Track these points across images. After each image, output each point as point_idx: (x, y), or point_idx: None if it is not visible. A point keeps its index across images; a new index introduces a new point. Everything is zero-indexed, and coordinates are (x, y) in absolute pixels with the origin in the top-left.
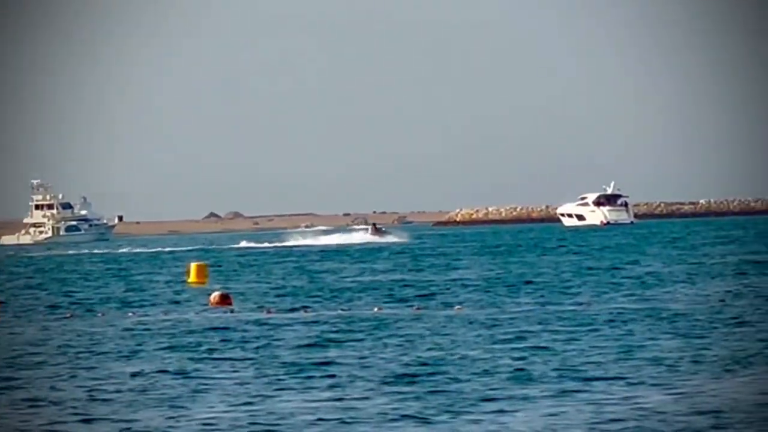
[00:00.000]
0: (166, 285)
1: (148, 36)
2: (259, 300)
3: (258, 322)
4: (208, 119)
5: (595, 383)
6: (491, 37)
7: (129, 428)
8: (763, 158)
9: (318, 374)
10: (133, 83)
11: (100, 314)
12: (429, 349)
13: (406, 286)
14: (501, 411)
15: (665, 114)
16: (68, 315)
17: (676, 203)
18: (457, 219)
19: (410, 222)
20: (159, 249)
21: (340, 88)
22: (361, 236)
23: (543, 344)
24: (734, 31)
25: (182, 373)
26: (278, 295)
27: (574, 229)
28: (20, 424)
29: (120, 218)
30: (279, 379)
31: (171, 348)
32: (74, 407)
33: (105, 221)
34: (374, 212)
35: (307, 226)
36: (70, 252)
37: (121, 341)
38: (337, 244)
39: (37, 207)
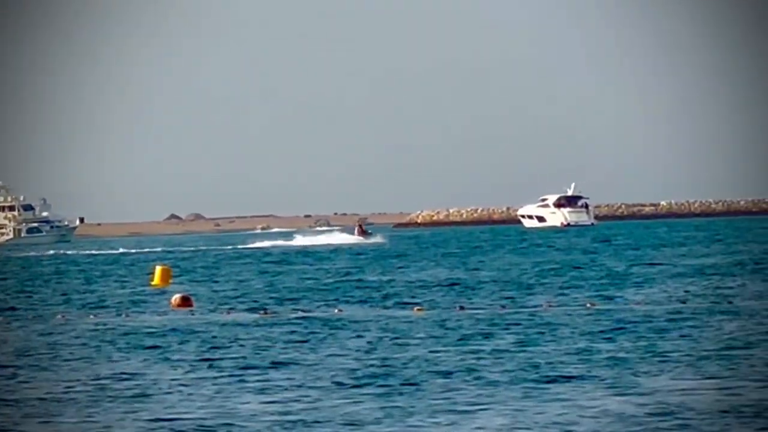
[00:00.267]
0: (129, 287)
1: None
2: (221, 301)
3: (218, 324)
4: (168, 121)
5: (555, 384)
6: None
7: (89, 429)
8: (724, 160)
9: (277, 375)
10: (93, 85)
11: (60, 316)
12: (389, 350)
13: (367, 287)
14: (462, 412)
15: (626, 116)
16: (29, 317)
17: (637, 205)
18: (418, 221)
19: (371, 223)
20: (148, 249)
21: (300, 90)
22: (347, 237)
23: (504, 345)
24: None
25: (141, 375)
26: (240, 298)
27: (535, 231)
28: None
29: (81, 220)
30: (238, 380)
31: (130, 349)
32: (33, 407)
33: (66, 223)
34: (335, 214)
35: (263, 228)
36: (32, 254)
37: (81, 343)
38: (323, 245)
39: None
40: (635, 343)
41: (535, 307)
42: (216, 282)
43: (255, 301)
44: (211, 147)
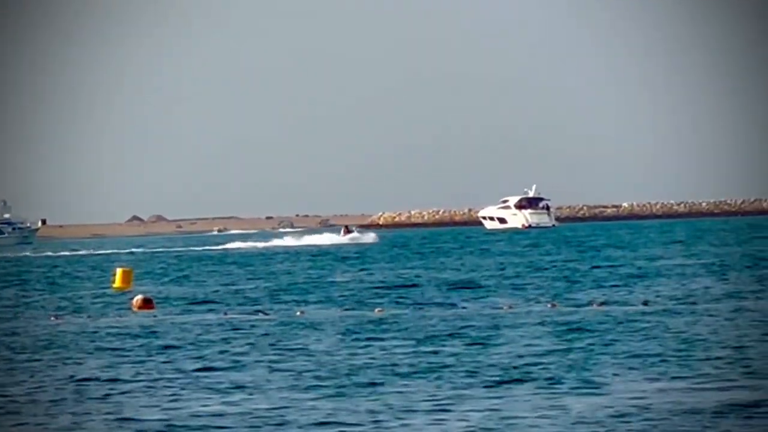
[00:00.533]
0: (91, 289)
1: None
2: (182, 303)
3: (178, 325)
4: (130, 122)
5: (517, 385)
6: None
7: (45, 429)
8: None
9: (237, 377)
10: (54, 85)
11: (21, 318)
12: (350, 350)
13: (332, 287)
14: (426, 411)
15: (587, 117)
16: None
17: (599, 206)
18: (380, 222)
19: (333, 225)
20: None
21: (263, 93)
22: (333, 238)
23: (465, 347)
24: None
25: (103, 376)
26: (203, 300)
27: (496, 233)
28: None
29: (43, 222)
30: (199, 381)
31: (93, 351)
32: None
33: (28, 225)
34: (297, 215)
35: (219, 230)
36: None
37: (43, 346)
38: (310, 245)
39: None
40: (596, 344)
41: (496, 308)
42: (180, 284)
43: (217, 302)
44: (173, 149)
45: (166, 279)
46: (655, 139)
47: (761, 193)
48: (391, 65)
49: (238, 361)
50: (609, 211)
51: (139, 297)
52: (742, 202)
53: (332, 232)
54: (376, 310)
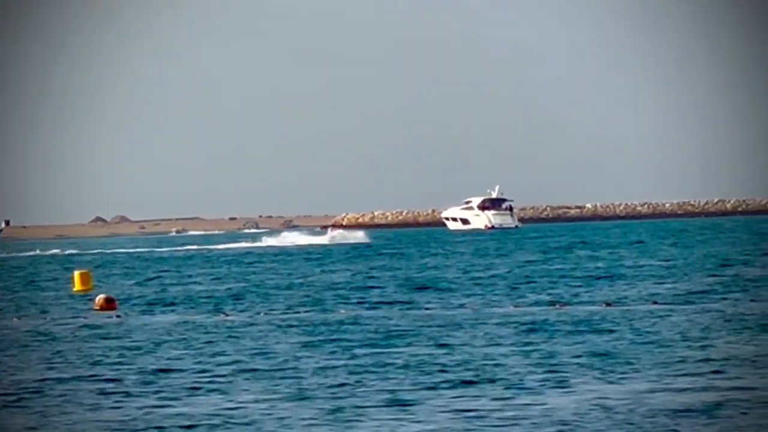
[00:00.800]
0: (54, 290)
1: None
2: (143, 303)
3: (139, 326)
4: (93, 123)
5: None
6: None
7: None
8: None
9: (200, 378)
10: (16, 86)
11: None
12: (308, 351)
13: (286, 289)
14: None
15: (551, 118)
16: None
17: (563, 207)
18: (344, 223)
19: (296, 226)
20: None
21: (226, 92)
22: (322, 238)
23: (427, 347)
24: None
25: (63, 377)
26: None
27: (459, 233)
28: None
29: (7, 222)
30: (156, 381)
31: (56, 352)
32: None
33: None
34: (260, 216)
35: (177, 231)
36: None
37: (4, 347)
38: (297, 245)
39: None
40: (558, 344)
41: (460, 307)
42: (141, 284)
43: (180, 303)
44: (136, 150)
45: (130, 280)
46: (618, 140)
47: (724, 194)
48: (355, 67)
49: (197, 362)
50: (572, 212)
51: (101, 297)
52: (706, 203)
53: (297, 232)
54: (341, 311)
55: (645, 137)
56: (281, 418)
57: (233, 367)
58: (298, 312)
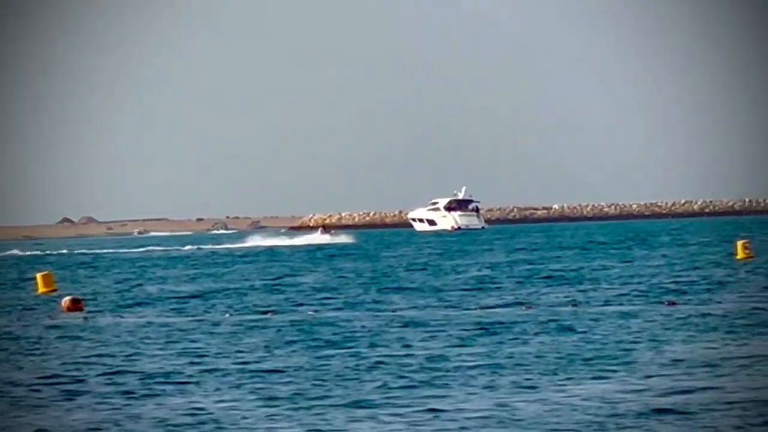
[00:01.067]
0: (20, 291)
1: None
2: (111, 304)
3: (105, 327)
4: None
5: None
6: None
7: None
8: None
9: (166, 378)
10: None
11: None
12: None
13: (253, 289)
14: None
15: (517, 119)
16: None
17: (530, 208)
18: (311, 224)
19: (264, 227)
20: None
21: (189, 92)
22: (311, 237)
23: (393, 348)
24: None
25: (29, 378)
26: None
27: (425, 235)
28: None
29: None
30: (123, 382)
31: (21, 354)
32: None
33: None
34: (227, 217)
35: (140, 232)
36: None
37: None
38: (288, 245)
39: None
40: (522, 345)
41: (426, 310)
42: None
43: (148, 304)
44: (103, 150)
45: (102, 280)
46: (585, 141)
47: (691, 195)
48: (320, 68)
49: (164, 362)
50: (539, 212)
51: (67, 298)
52: (673, 205)
53: (266, 233)
54: (308, 312)
55: (612, 139)
56: (245, 418)
57: (199, 367)
58: (266, 312)
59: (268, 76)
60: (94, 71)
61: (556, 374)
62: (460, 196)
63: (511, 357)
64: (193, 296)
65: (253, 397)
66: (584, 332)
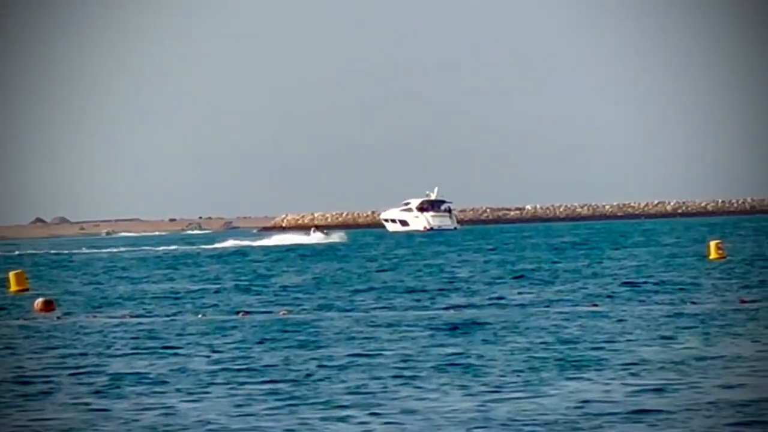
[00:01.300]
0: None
1: None
2: (84, 305)
3: (77, 328)
4: (31, 120)
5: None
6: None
7: None
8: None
9: (139, 379)
10: None
11: None
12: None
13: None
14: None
15: (491, 119)
16: None
17: (503, 209)
18: (283, 225)
19: (236, 227)
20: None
21: (161, 91)
22: (306, 237)
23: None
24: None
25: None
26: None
27: (397, 235)
28: None
29: None
30: (103, 384)
31: None
32: None
33: None
34: (200, 217)
35: (108, 233)
36: None
37: None
38: (282, 245)
39: None
40: (495, 345)
41: (398, 310)
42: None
43: (121, 304)
44: (75, 150)
45: (74, 281)
46: (558, 141)
47: (665, 196)
48: (293, 66)
49: (137, 362)
50: (512, 213)
51: (40, 300)
52: (645, 205)
53: (237, 234)
54: (281, 312)
55: (585, 141)
56: (218, 418)
57: (171, 367)
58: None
59: (241, 78)
60: (65, 73)
61: (529, 374)
62: (433, 197)
63: (483, 356)
64: (166, 296)
65: (225, 396)
66: (556, 332)
